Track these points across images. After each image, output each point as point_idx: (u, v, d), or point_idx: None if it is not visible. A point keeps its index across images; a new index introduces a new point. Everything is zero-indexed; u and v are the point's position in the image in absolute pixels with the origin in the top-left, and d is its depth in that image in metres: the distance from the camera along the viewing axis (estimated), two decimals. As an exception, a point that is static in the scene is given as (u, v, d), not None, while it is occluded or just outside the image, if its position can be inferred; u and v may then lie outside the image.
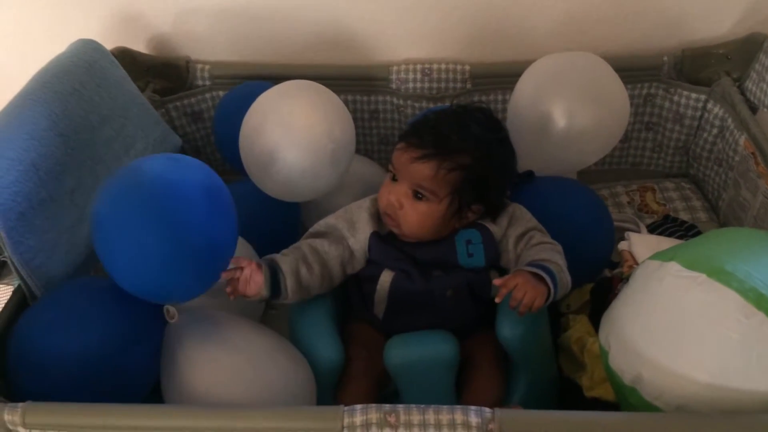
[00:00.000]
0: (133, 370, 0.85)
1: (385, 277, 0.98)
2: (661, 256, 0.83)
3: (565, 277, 0.92)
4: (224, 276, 0.90)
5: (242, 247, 1.07)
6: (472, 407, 0.72)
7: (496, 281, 0.89)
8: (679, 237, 1.22)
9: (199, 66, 1.37)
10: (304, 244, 0.99)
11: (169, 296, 0.87)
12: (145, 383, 0.88)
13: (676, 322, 0.77)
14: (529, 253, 0.95)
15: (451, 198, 0.95)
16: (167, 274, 0.82)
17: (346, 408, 0.73)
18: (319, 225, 1.02)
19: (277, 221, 1.21)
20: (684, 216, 1.33)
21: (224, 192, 0.88)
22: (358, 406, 0.73)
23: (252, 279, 0.91)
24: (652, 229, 1.27)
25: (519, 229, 0.99)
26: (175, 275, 0.83)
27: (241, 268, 0.92)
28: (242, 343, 0.88)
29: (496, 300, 0.88)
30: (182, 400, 0.85)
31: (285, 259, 0.95)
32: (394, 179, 0.97)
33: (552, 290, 0.89)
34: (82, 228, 0.99)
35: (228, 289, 0.92)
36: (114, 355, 0.83)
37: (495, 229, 0.98)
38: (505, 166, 1.00)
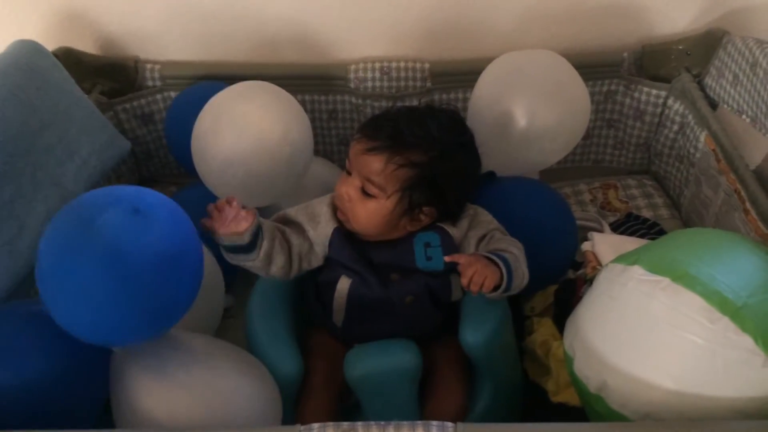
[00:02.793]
0: (76, 400, 0.81)
1: (343, 284, 0.95)
2: (625, 259, 0.82)
3: (521, 268, 0.92)
4: (210, 207, 0.88)
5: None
6: (434, 422, 0.70)
7: (447, 258, 0.90)
8: (642, 235, 1.22)
9: (149, 66, 1.33)
10: (274, 227, 0.95)
11: (112, 345, 0.82)
12: (92, 408, 0.84)
13: (640, 327, 0.76)
14: (487, 248, 0.95)
15: (400, 196, 0.92)
16: (112, 328, 0.76)
17: (302, 428, 0.70)
18: (282, 213, 0.99)
19: (233, 227, 1.17)
20: (646, 213, 1.33)
21: (190, 254, 0.79)
22: (315, 425, 0.70)
23: (243, 218, 0.88)
24: (615, 228, 1.26)
25: (480, 231, 0.97)
26: (121, 329, 0.76)
27: (231, 205, 0.89)
28: (198, 362, 0.83)
29: (446, 258, 0.89)
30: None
31: (267, 224, 0.93)
32: (348, 173, 0.95)
33: (504, 275, 0.88)
34: (22, 240, 0.94)
35: (208, 222, 0.88)
36: (53, 387, 0.78)
37: (455, 232, 0.96)
38: (463, 172, 0.97)
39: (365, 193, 0.92)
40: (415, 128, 0.93)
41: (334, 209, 0.97)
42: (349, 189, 0.93)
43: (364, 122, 0.98)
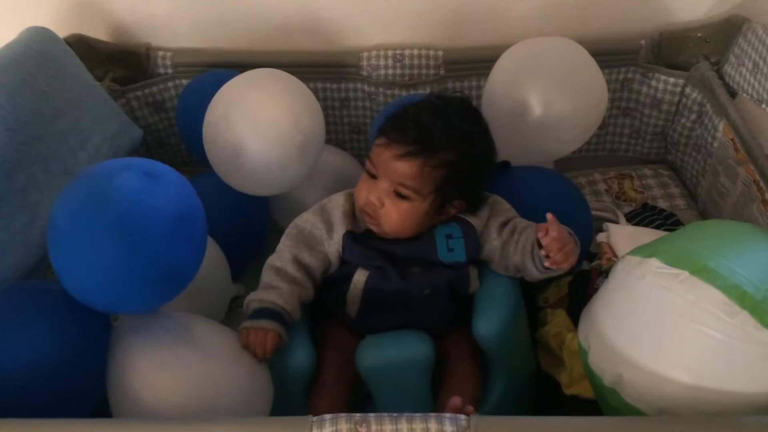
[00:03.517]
0: (81, 376, 0.81)
1: (359, 276, 0.94)
2: (642, 251, 0.81)
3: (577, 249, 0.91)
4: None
5: (209, 246, 1.02)
6: (447, 414, 0.69)
7: (547, 220, 0.87)
8: (658, 226, 1.21)
9: (161, 53, 1.32)
10: (290, 262, 0.94)
11: (120, 311, 0.83)
12: (95, 388, 0.84)
13: (658, 321, 0.75)
14: (523, 236, 0.93)
15: (435, 196, 0.92)
16: (122, 293, 0.77)
17: (314, 419, 0.69)
18: (298, 229, 0.97)
19: (245, 216, 1.17)
20: (662, 203, 1.32)
21: (197, 219, 0.82)
22: (328, 416, 0.69)
23: (271, 343, 0.87)
24: (631, 218, 1.25)
25: (501, 218, 0.97)
26: (131, 294, 0.78)
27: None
28: (193, 343, 0.83)
29: (539, 235, 0.87)
30: (128, 407, 0.80)
31: (283, 296, 0.91)
32: (372, 176, 0.93)
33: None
34: (34, 228, 0.94)
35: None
36: (59, 362, 0.78)
37: (476, 221, 0.96)
38: (487, 159, 0.98)
39: (397, 196, 0.91)
40: (442, 126, 0.92)
41: (345, 211, 0.96)
42: (380, 194, 0.92)
43: (384, 124, 0.96)
